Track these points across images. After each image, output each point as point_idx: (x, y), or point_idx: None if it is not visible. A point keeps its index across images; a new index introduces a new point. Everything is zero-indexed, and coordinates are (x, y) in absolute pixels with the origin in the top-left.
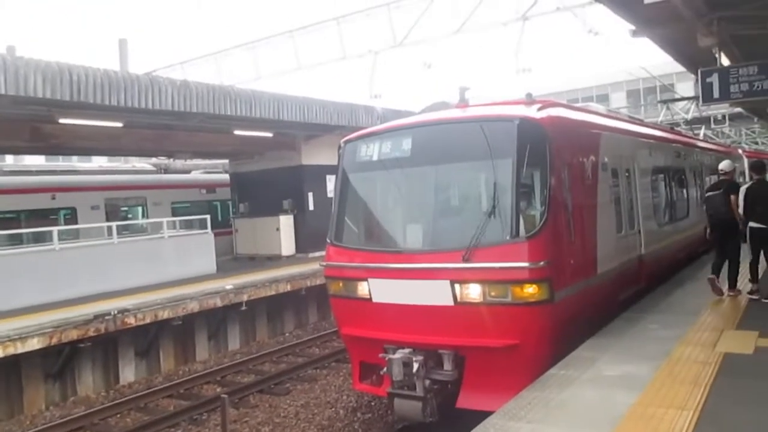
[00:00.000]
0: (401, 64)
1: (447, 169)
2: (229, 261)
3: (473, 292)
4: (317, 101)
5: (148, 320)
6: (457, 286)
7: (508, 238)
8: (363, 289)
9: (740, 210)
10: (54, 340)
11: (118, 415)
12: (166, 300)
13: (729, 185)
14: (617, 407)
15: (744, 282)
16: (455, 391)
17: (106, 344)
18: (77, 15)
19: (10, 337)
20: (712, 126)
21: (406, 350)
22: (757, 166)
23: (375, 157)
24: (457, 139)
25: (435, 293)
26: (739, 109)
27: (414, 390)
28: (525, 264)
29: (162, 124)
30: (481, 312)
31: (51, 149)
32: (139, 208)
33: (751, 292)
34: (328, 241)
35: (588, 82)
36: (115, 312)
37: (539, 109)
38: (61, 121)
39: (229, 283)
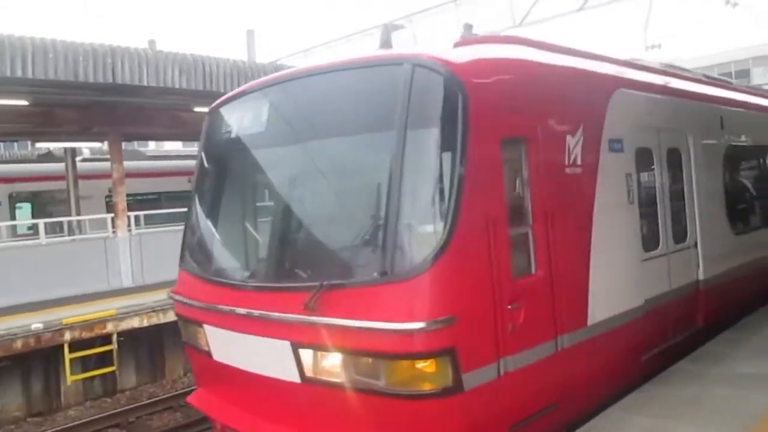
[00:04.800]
0: None
1: (305, 152)
2: None
3: (328, 364)
4: None
5: None
6: (302, 352)
7: (375, 274)
8: (203, 337)
9: None
10: None
11: None
12: None
13: None
14: (753, 407)
15: None
16: None
17: None
18: (209, 8)
19: (154, 309)
20: None
21: None
22: None
23: (232, 134)
24: (323, 102)
25: (274, 359)
26: None
27: None
28: (403, 325)
29: None
30: (344, 400)
31: (187, 135)
32: None
33: None
34: (180, 264)
35: (725, 58)
36: None
37: (457, 45)
38: (196, 109)
39: None
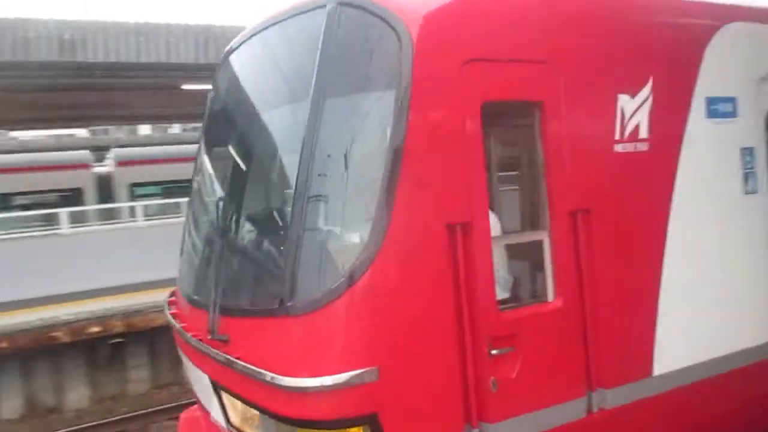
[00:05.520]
0: None
1: (239, 135)
2: None
3: (247, 416)
4: None
5: None
6: (224, 395)
7: (276, 304)
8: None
9: None
10: None
11: None
12: None
13: None
14: None
15: None
16: None
17: None
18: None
19: None
20: None
21: None
22: None
23: (209, 111)
24: (253, 69)
25: (210, 400)
26: None
27: None
28: (294, 381)
29: None
30: None
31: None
32: None
33: None
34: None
35: None
36: None
37: None
38: None
39: None
